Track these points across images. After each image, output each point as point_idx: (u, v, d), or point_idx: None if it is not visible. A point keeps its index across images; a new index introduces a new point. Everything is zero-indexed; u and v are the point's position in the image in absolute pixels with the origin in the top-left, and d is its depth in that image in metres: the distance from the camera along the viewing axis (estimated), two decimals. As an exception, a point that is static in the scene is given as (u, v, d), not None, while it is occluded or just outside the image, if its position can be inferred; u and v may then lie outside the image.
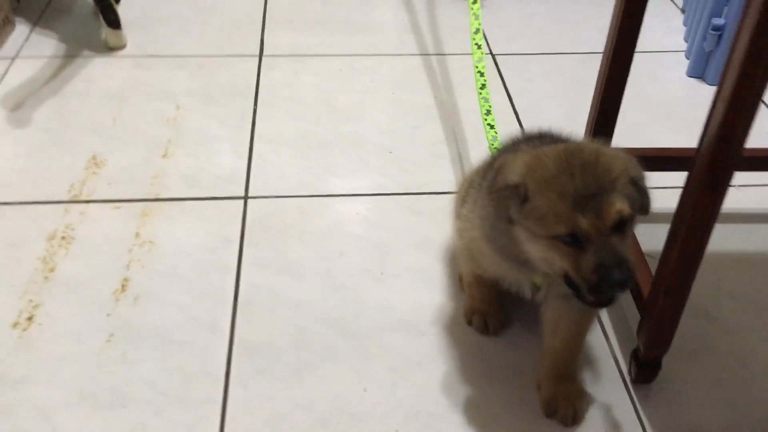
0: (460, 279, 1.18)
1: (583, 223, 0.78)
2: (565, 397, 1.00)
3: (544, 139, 1.03)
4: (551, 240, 0.81)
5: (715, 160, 0.80)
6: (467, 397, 1.03)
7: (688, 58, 1.83)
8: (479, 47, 1.41)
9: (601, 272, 0.77)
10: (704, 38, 1.73)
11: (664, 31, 1.97)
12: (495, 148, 1.21)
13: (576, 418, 1.00)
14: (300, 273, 1.22)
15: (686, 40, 1.92)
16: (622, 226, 0.80)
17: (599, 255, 0.78)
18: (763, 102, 1.67)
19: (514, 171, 0.84)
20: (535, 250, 0.84)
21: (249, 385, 1.04)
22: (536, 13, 2.04)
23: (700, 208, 0.84)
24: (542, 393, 1.03)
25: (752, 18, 0.72)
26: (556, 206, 0.79)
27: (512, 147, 1.06)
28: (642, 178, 0.84)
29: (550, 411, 1.01)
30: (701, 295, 1.20)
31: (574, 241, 0.79)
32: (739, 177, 1.42)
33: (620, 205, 0.78)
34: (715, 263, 1.26)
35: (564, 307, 0.97)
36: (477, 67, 1.39)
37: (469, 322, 1.13)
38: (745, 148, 1.16)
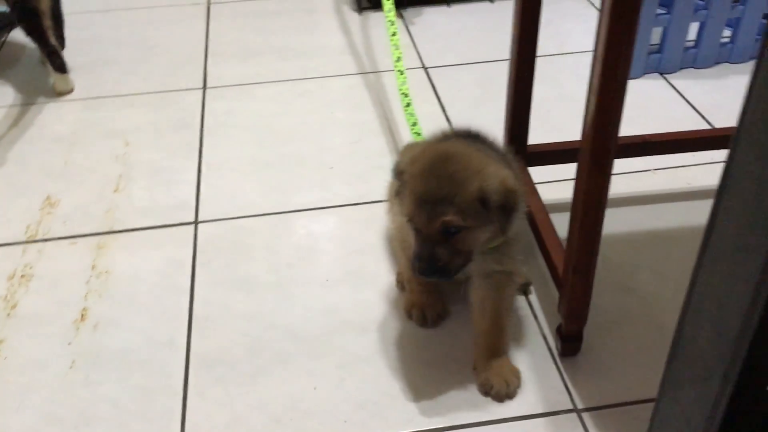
0: (398, 279, 1.27)
1: (417, 221, 0.97)
2: (498, 374, 1.09)
3: (463, 136, 1.14)
4: (408, 221, 1.00)
5: (595, 145, 0.90)
6: (410, 386, 1.12)
7: (607, 56, 1.95)
8: (402, 73, 1.57)
9: (415, 260, 0.98)
10: (618, 36, 1.85)
11: (585, 32, 2.09)
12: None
13: (509, 394, 1.09)
14: (251, 287, 1.30)
15: (605, 39, 2.04)
16: (453, 233, 0.96)
17: (417, 248, 0.98)
18: (678, 91, 1.79)
19: (404, 159, 1.02)
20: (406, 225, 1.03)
21: (206, 394, 1.11)
22: (465, 26, 2.15)
23: (590, 190, 0.94)
24: (478, 373, 1.12)
25: (606, 17, 0.82)
26: (409, 200, 0.97)
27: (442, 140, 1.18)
28: (496, 198, 0.95)
29: (486, 389, 1.10)
30: (621, 272, 1.30)
31: (416, 228, 0.99)
32: (654, 161, 1.53)
33: (448, 218, 0.94)
34: (634, 242, 1.36)
35: (486, 286, 1.07)
36: (401, 90, 1.54)
37: (409, 316, 1.22)
38: (650, 134, 1.28)
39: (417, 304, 1.22)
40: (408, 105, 1.53)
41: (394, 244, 1.24)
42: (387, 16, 1.68)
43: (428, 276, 0.99)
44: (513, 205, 0.97)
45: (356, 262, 1.34)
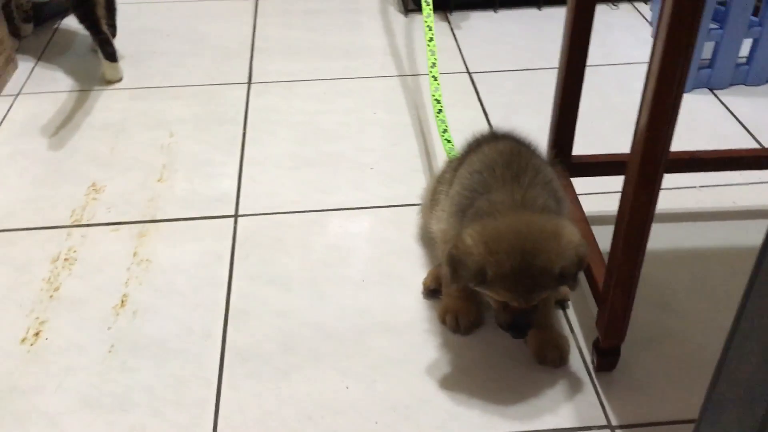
0: (424, 284, 1.28)
1: (516, 304, 1.04)
2: (550, 342, 1.15)
3: (503, 138, 1.16)
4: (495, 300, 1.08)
5: (644, 160, 0.89)
6: (442, 391, 1.12)
7: (654, 69, 1.93)
8: (435, 79, 1.58)
9: (510, 328, 1.07)
10: (667, 49, 1.83)
11: (633, 44, 2.07)
12: (453, 155, 1.35)
13: (563, 359, 1.15)
14: (287, 283, 1.31)
15: (653, 52, 2.01)
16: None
17: (515, 319, 1.06)
18: (727, 108, 1.76)
19: (473, 257, 1.01)
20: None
21: (240, 386, 1.13)
22: (511, 32, 2.14)
23: (636, 205, 0.93)
24: (530, 344, 1.17)
25: (663, 31, 0.81)
26: (504, 294, 1.03)
27: (475, 145, 1.19)
28: (573, 270, 1.02)
29: (540, 358, 1.15)
30: (661, 288, 1.28)
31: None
32: (700, 178, 1.51)
33: (544, 295, 1.04)
34: (675, 258, 1.34)
35: None
36: (434, 96, 1.55)
37: (443, 321, 1.22)
38: (698, 151, 1.26)
39: (451, 309, 1.22)
40: (440, 111, 1.53)
41: (438, 252, 1.24)
42: (425, 21, 1.68)
43: (520, 337, 1.10)
44: (583, 265, 1.04)
45: (391, 264, 1.35)
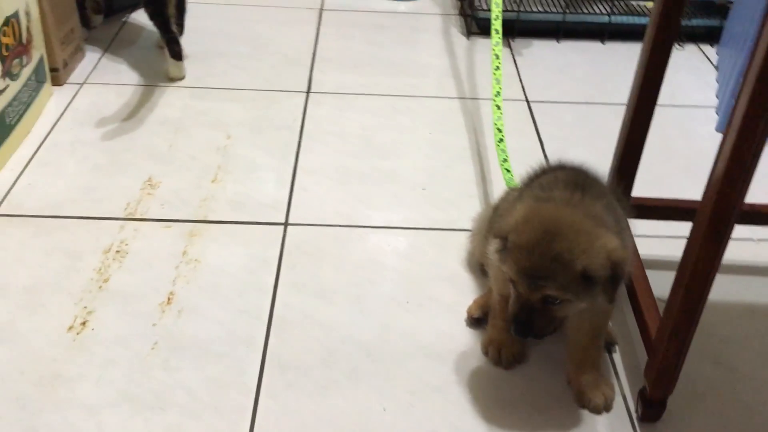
0: (468, 312, 1.27)
1: (520, 288, 1.00)
2: (594, 387, 1.12)
3: (563, 170, 1.14)
4: (509, 281, 1.03)
5: (716, 213, 0.87)
6: (478, 422, 1.10)
7: (718, 114, 1.89)
8: (499, 108, 1.57)
9: (512, 320, 1.02)
10: (735, 96, 1.79)
11: (697, 87, 2.04)
12: (512, 185, 1.35)
13: (606, 406, 1.12)
14: (332, 297, 1.31)
15: (718, 97, 1.97)
16: (552, 302, 0.99)
17: (515, 309, 1.01)
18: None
19: (508, 223, 1.01)
20: (500, 279, 1.09)
21: (278, 397, 1.12)
22: (572, 64, 2.12)
23: (702, 258, 0.90)
24: (573, 386, 1.14)
25: (751, 81, 0.79)
26: (512, 268, 0.99)
27: (535, 177, 1.17)
28: (603, 274, 0.96)
29: (583, 402, 1.12)
30: (712, 342, 1.25)
31: (515, 286, 1.02)
32: (758, 231, 1.47)
33: (550, 292, 0.97)
34: (729, 312, 1.31)
35: (586, 309, 1.06)
36: (496, 125, 1.55)
37: (485, 353, 1.20)
38: (759, 204, 1.23)
39: (495, 341, 1.20)
40: (501, 141, 1.52)
41: (494, 285, 1.22)
42: (493, 50, 1.67)
43: (522, 336, 1.03)
44: (620, 277, 0.98)
45: (438, 288, 1.33)
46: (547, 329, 1.02)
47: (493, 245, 1.06)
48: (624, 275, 0.98)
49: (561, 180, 1.08)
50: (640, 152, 1.28)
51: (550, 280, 0.96)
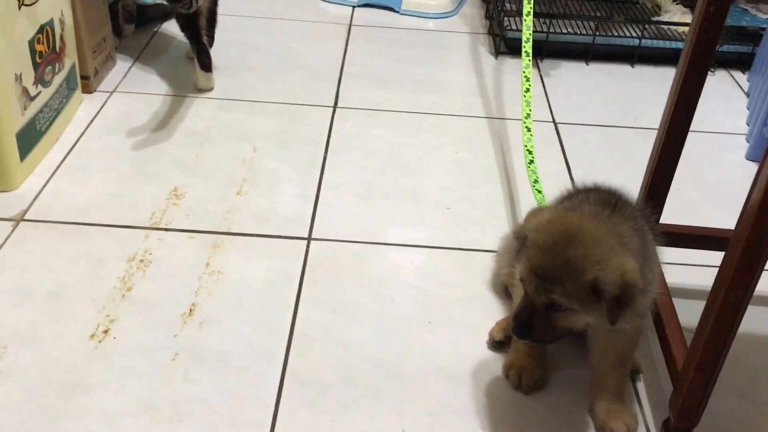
0: (490, 335, 1.25)
1: (528, 287, 1.00)
2: (617, 417, 1.10)
3: (596, 191, 1.12)
4: (519, 280, 1.03)
5: (749, 244, 0.85)
6: (500, 448, 1.09)
7: (748, 142, 1.87)
8: (528, 130, 1.57)
9: (513, 319, 1.02)
10: (765, 123, 1.77)
11: (727, 113, 2.01)
12: (544, 204, 1.35)
13: None
14: (353, 314, 1.30)
15: (748, 124, 1.95)
16: (556, 309, 0.99)
17: (519, 308, 1.02)
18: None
19: (530, 223, 1.02)
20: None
21: (296, 413, 1.12)
22: (601, 86, 2.11)
23: (733, 289, 0.89)
24: (595, 415, 1.12)
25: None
26: (524, 266, 0.99)
27: (567, 197, 1.16)
28: (611, 291, 0.94)
29: (605, 431, 1.09)
30: (740, 375, 1.22)
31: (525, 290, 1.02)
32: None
33: (555, 296, 0.97)
34: (758, 343, 1.28)
35: (612, 336, 1.06)
36: (526, 146, 1.54)
37: (506, 376, 1.19)
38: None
39: (516, 365, 1.18)
40: (531, 162, 1.52)
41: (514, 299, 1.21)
42: (524, 72, 1.67)
43: (519, 337, 1.05)
44: (628, 300, 0.95)
45: (461, 309, 1.32)
46: (546, 335, 1.01)
47: (514, 246, 1.07)
48: (632, 300, 0.95)
49: (592, 198, 1.08)
50: (671, 179, 1.26)
51: (557, 284, 0.95)
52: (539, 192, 1.44)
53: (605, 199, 1.07)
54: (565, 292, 0.95)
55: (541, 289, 0.97)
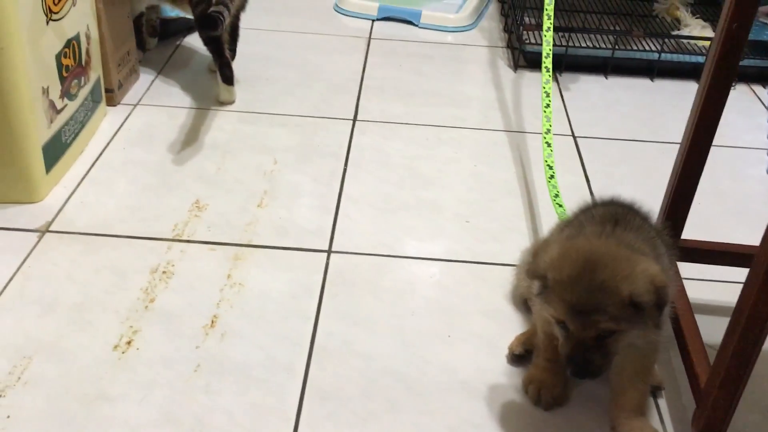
0: (510, 348, 1.25)
1: (571, 327, 0.98)
2: None
3: (603, 206, 1.14)
4: (556, 323, 1.01)
5: (774, 263, 0.85)
6: (520, 464, 1.08)
7: (769, 156, 1.86)
8: (549, 145, 1.58)
9: (567, 362, 1.00)
10: (787, 138, 1.76)
11: (747, 128, 2.00)
12: (563, 211, 1.36)
13: None
14: (373, 327, 1.30)
15: (769, 138, 1.94)
16: (607, 335, 0.97)
17: (570, 351, 0.99)
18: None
19: (543, 262, 1.00)
20: (545, 317, 1.05)
21: (317, 427, 1.12)
22: (620, 100, 2.11)
23: (758, 306, 0.88)
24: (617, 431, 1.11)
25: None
26: (560, 306, 0.97)
27: (586, 211, 1.17)
28: (648, 299, 0.94)
29: None
30: (764, 392, 1.21)
31: (564, 327, 0.99)
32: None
33: (604, 325, 0.95)
34: (780, 362, 1.27)
35: (629, 351, 1.05)
36: (546, 162, 1.55)
37: (526, 391, 1.19)
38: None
39: (536, 380, 1.18)
40: (551, 177, 1.52)
41: (538, 323, 1.21)
42: (543, 88, 1.68)
43: (582, 378, 1.03)
44: (665, 302, 0.96)
45: (481, 323, 1.33)
46: (605, 366, 0.99)
47: (534, 288, 1.05)
48: (668, 300, 0.96)
49: (597, 216, 1.10)
50: (692, 194, 1.26)
51: (601, 312, 0.94)
52: (560, 206, 1.44)
53: (610, 214, 1.09)
54: (611, 317, 0.94)
55: (587, 324, 0.96)
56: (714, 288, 1.40)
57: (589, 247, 0.99)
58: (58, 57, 1.56)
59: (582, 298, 0.95)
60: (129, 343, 1.24)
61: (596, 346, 0.97)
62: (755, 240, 1.55)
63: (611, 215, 1.09)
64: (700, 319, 1.21)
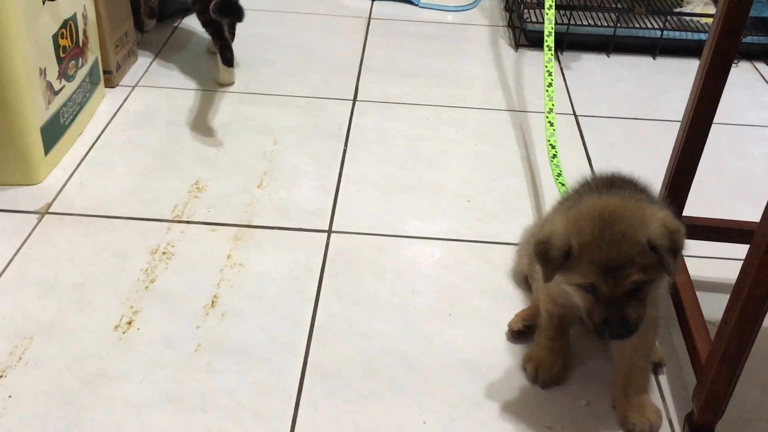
0: (510, 326, 1.25)
1: (604, 287, 0.96)
2: (639, 412, 1.10)
3: (614, 181, 1.12)
4: (577, 285, 0.99)
5: (775, 237, 0.85)
6: (521, 441, 1.09)
7: (772, 133, 1.85)
8: (551, 125, 1.56)
9: (605, 325, 0.97)
10: (790, 115, 1.75)
11: (750, 105, 1.99)
12: (566, 190, 1.32)
13: (652, 431, 1.08)
14: (374, 307, 1.30)
15: (772, 116, 1.93)
16: (638, 289, 0.96)
17: (608, 312, 0.96)
18: None
19: (560, 232, 0.98)
20: (564, 288, 1.03)
21: (318, 405, 1.12)
22: (621, 78, 2.09)
23: (759, 282, 0.88)
24: (618, 409, 1.12)
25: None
26: (586, 269, 0.96)
27: (586, 187, 1.15)
28: (663, 243, 0.94)
29: (628, 426, 1.09)
30: (764, 368, 1.21)
31: (593, 291, 0.97)
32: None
33: (636, 277, 0.94)
34: (781, 338, 1.27)
35: None
36: (549, 141, 1.54)
37: (524, 369, 1.19)
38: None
39: (535, 359, 1.18)
40: (554, 156, 1.52)
41: (540, 302, 1.20)
42: (546, 66, 1.67)
43: (622, 338, 0.99)
44: (680, 246, 0.96)
45: (482, 302, 1.32)
46: (640, 320, 0.97)
47: (537, 271, 1.04)
48: (683, 244, 0.96)
49: (593, 184, 1.11)
50: (694, 171, 1.25)
51: (629, 265, 0.93)
52: (563, 185, 1.44)
53: (606, 180, 1.10)
54: (640, 267, 0.94)
55: (619, 279, 0.94)
56: (715, 264, 1.40)
57: (599, 205, 0.98)
58: (54, 38, 1.55)
59: (612, 253, 0.93)
60: (130, 323, 1.24)
61: (628, 301, 0.96)
62: (757, 217, 1.55)
63: (607, 180, 1.10)
64: (701, 295, 1.20)
